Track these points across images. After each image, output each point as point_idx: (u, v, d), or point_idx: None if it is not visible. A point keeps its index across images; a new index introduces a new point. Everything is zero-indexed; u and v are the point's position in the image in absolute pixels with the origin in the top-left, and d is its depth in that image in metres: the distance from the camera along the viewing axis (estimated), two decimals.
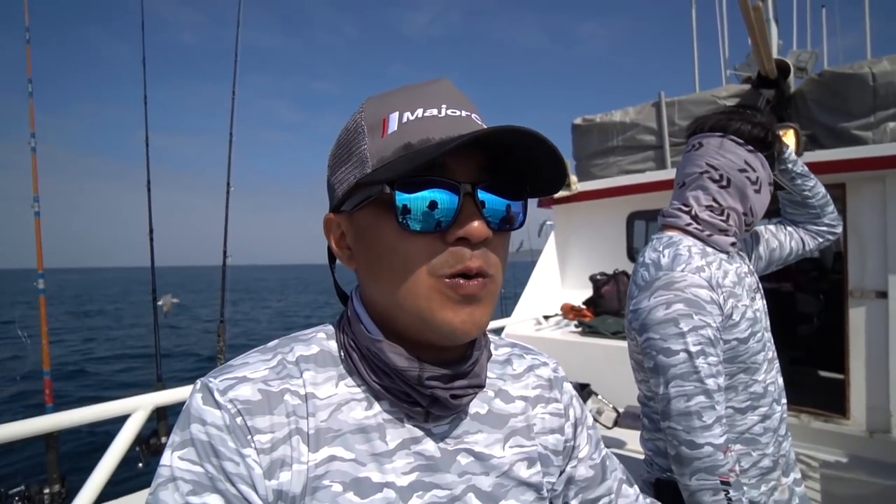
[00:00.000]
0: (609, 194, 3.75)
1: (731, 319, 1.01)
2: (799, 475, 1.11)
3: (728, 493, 0.90)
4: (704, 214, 1.08)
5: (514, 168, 0.51)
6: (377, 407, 0.52)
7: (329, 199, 0.56)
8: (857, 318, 2.73)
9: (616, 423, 2.44)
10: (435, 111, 0.49)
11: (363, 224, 0.51)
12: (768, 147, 1.08)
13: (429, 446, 0.53)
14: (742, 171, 1.06)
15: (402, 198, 0.46)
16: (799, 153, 2.97)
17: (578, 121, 4.17)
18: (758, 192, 1.06)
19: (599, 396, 2.58)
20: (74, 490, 1.65)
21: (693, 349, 0.94)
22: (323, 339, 0.55)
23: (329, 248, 0.58)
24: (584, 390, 2.63)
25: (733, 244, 1.09)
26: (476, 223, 0.47)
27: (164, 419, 1.95)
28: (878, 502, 2.27)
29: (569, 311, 3.60)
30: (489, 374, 0.60)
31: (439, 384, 0.51)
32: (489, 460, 0.56)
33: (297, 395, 0.50)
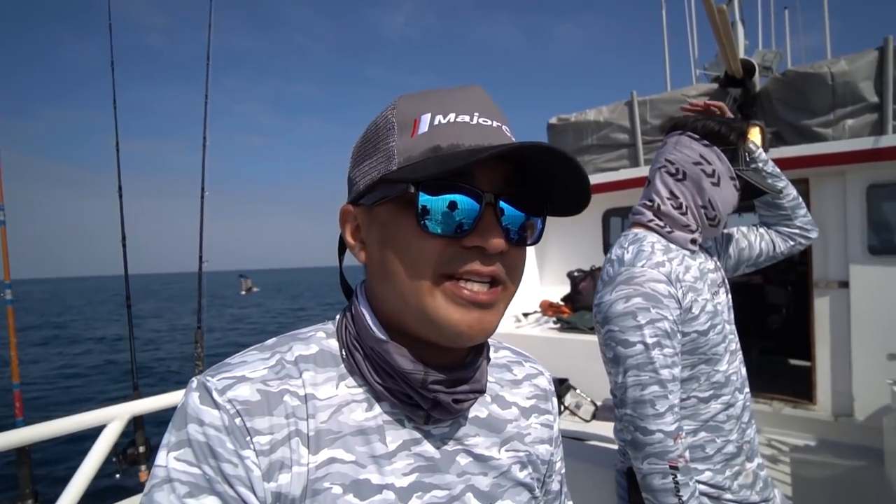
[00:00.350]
0: None
1: (691, 313, 1.05)
2: (761, 460, 1.16)
3: (675, 476, 0.95)
4: (665, 207, 1.13)
5: (537, 184, 0.51)
6: (377, 408, 0.52)
7: (348, 191, 0.56)
8: (821, 307, 2.85)
9: (594, 416, 2.49)
10: (467, 118, 0.49)
11: (381, 219, 0.51)
12: (724, 141, 1.11)
13: (428, 448, 0.53)
14: (697, 163, 1.11)
15: (424, 199, 0.46)
16: (764, 150, 3.08)
17: (554, 120, 4.23)
18: (715, 184, 1.09)
19: (578, 391, 2.63)
20: None
21: (649, 341, 0.98)
22: (322, 339, 0.55)
23: (340, 241, 0.57)
24: (562, 385, 2.68)
25: (693, 241, 1.13)
26: (494, 235, 0.47)
27: (141, 428, 1.91)
28: (843, 482, 2.37)
29: (547, 308, 3.65)
30: (488, 378, 0.60)
31: (442, 388, 0.51)
32: (488, 461, 0.57)
33: (296, 395, 0.49)
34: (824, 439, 2.76)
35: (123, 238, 2.28)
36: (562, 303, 3.68)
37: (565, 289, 3.76)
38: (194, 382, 0.48)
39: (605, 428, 2.53)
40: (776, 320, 4.85)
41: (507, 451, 0.59)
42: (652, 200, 1.15)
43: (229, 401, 0.46)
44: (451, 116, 0.49)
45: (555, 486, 0.69)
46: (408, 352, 0.51)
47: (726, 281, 1.21)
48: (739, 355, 1.16)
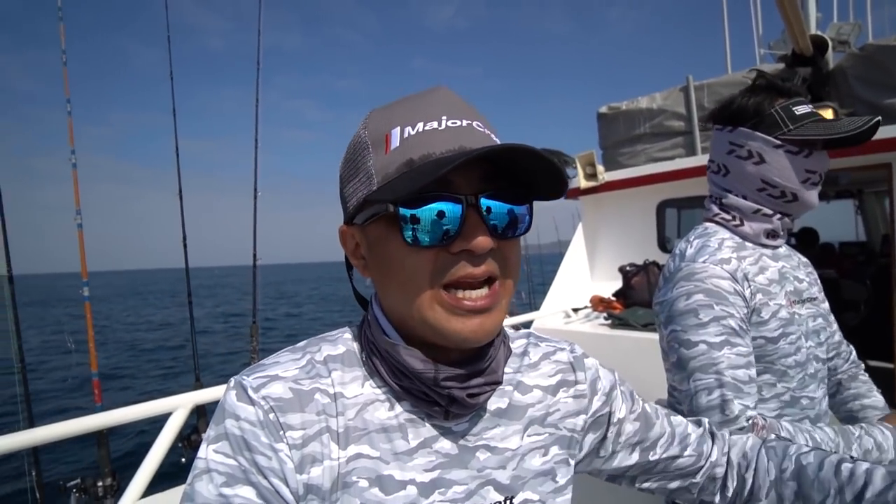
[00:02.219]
0: (637, 183, 3.66)
1: (759, 316, 0.97)
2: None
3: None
4: (727, 200, 1.05)
5: (517, 174, 0.51)
6: (399, 407, 0.54)
7: (343, 210, 0.58)
8: None
9: None
10: (435, 124, 0.50)
11: (373, 238, 0.53)
12: (748, 115, 1.00)
13: (448, 444, 0.55)
14: (730, 152, 1.03)
15: (406, 214, 0.48)
16: None
17: (604, 109, 4.09)
18: (758, 162, 0.99)
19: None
20: (125, 483, 1.76)
21: (713, 340, 0.91)
22: (349, 340, 0.58)
23: (347, 257, 0.60)
24: None
25: (772, 233, 1.03)
26: (479, 236, 0.48)
27: (203, 416, 2.04)
28: None
29: (598, 304, 3.55)
30: (507, 368, 0.61)
31: (455, 384, 0.52)
32: (505, 453, 0.58)
33: (326, 393, 0.52)
34: None
35: (184, 238, 2.42)
36: (613, 298, 3.56)
37: (616, 283, 3.64)
38: (232, 382, 0.52)
39: None
40: (853, 318, 4.47)
41: (528, 436, 0.60)
42: (715, 196, 1.09)
43: (263, 398, 0.49)
44: (420, 126, 0.50)
45: (630, 429, 0.68)
46: (419, 352, 0.52)
47: (822, 303, 1.09)
48: (822, 387, 1.05)
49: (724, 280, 0.94)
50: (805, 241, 5.26)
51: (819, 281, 1.15)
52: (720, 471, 0.71)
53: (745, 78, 3.37)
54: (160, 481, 1.78)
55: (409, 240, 0.48)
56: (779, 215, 1.02)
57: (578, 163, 3.93)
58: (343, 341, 0.57)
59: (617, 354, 2.86)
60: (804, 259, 1.15)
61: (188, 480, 0.48)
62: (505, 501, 0.57)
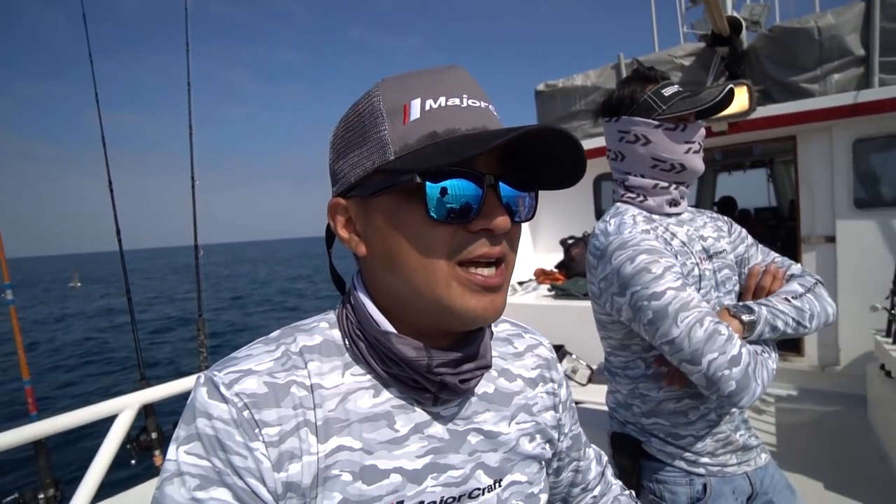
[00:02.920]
0: None
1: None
2: (750, 432, 1.16)
3: (766, 350, 1.00)
4: (630, 181, 1.16)
5: (529, 161, 0.52)
6: (385, 394, 0.53)
7: (333, 182, 0.55)
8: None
9: (590, 380, 2.58)
10: (457, 101, 0.49)
11: (383, 210, 0.50)
12: (626, 104, 1.11)
13: (439, 429, 0.54)
14: (620, 139, 1.14)
15: (432, 187, 0.46)
16: (752, 108, 3.06)
17: (541, 87, 4.18)
18: (645, 143, 1.11)
19: (574, 356, 2.71)
20: (69, 493, 1.67)
21: (675, 284, 0.98)
22: (326, 329, 0.55)
23: (328, 234, 0.57)
24: (559, 351, 2.76)
25: (672, 202, 1.13)
26: (500, 216, 0.48)
27: (151, 415, 1.96)
28: (827, 427, 2.49)
29: (541, 276, 3.70)
30: (493, 352, 0.61)
31: (448, 370, 0.52)
32: (497, 437, 0.58)
33: (303, 386, 0.50)
34: (810, 388, 2.87)
35: (118, 232, 2.27)
36: (556, 270, 3.73)
37: (558, 256, 3.80)
38: (202, 378, 0.49)
39: (600, 391, 2.62)
40: None
41: (516, 423, 0.61)
42: (619, 180, 1.20)
43: (237, 394, 0.47)
44: (442, 101, 0.48)
45: (566, 444, 0.71)
46: (411, 340, 0.51)
47: (730, 254, 1.20)
48: None
49: (654, 241, 1.04)
50: (725, 208, 5.71)
51: (738, 229, 1.27)
52: None
53: (670, 56, 3.56)
54: (110, 487, 1.72)
55: (433, 213, 0.46)
56: (674, 185, 1.13)
57: None
58: (319, 330, 0.55)
59: (561, 323, 3.01)
60: (712, 215, 1.27)
61: (157, 484, 0.46)
62: (495, 484, 0.57)
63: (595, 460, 0.79)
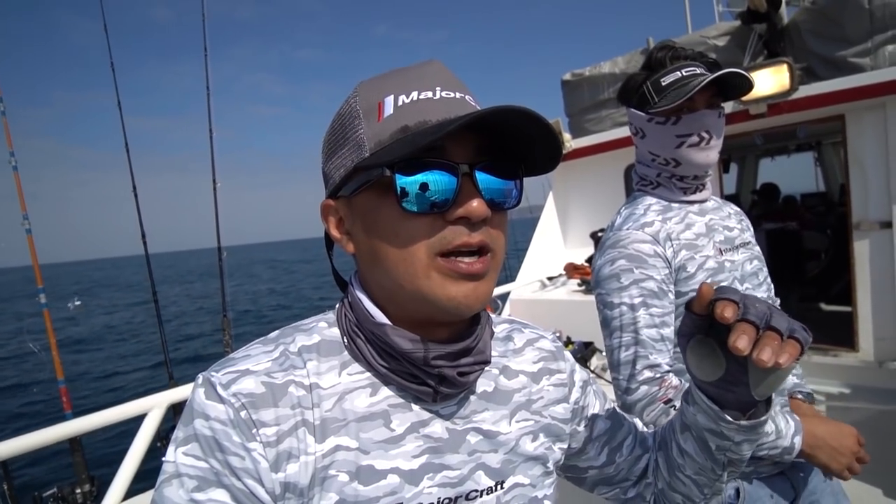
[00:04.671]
0: (604, 149, 3.69)
1: (686, 271, 1.02)
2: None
3: (672, 404, 0.91)
4: (640, 169, 1.15)
5: (508, 148, 0.51)
6: (382, 393, 0.53)
7: (325, 185, 0.56)
8: (861, 250, 2.71)
9: None
10: (430, 93, 0.49)
11: (363, 207, 0.51)
12: (631, 94, 1.08)
13: (437, 428, 0.54)
14: (629, 129, 1.13)
15: (402, 180, 0.47)
16: (794, 88, 2.87)
17: (567, 76, 4.07)
18: (643, 137, 1.08)
19: (604, 353, 2.61)
20: (104, 488, 1.73)
21: (633, 301, 0.98)
22: (324, 328, 0.55)
23: (326, 236, 0.58)
24: (588, 348, 2.67)
25: (685, 190, 1.08)
26: (475, 203, 0.47)
27: (179, 414, 2.01)
28: (881, 426, 2.30)
29: (572, 271, 3.60)
30: (493, 352, 0.61)
31: (445, 363, 0.51)
32: (497, 437, 0.57)
33: (301, 385, 0.50)
34: (864, 385, 2.67)
35: (143, 235, 2.34)
36: (586, 264, 3.62)
37: (589, 250, 3.70)
38: (200, 379, 0.49)
39: None
40: (815, 266, 4.66)
41: (517, 422, 0.60)
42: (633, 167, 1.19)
43: (234, 394, 0.47)
44: (414, 95, 0.49)
45: (601, 426, 0.69)
46: (406, 332, 0.51)
47: (755, 245, 1.15)
48: None
49: (645, 244, 1.01)
50: (766, 196, 5.42)
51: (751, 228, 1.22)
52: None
53: (703, 37, 3.39)
54: (141, 483, 1.76)
55: (406, 206, 0.47)
56: (677, 178, 1.07)
57: None
58: (318, 330, 0.55)
59: (592, 319, 2.90)
60: (736, 209, 1.22)
61: (156, 486, 0.46)
62: (496, 486, 0.56)
63: (644, 428, 0.75)
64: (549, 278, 3.68)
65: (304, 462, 0.47)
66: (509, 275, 4.09)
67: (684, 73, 1.01)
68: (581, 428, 0.67)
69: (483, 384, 0.59)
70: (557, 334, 2.66)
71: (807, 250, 4.56)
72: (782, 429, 0.90)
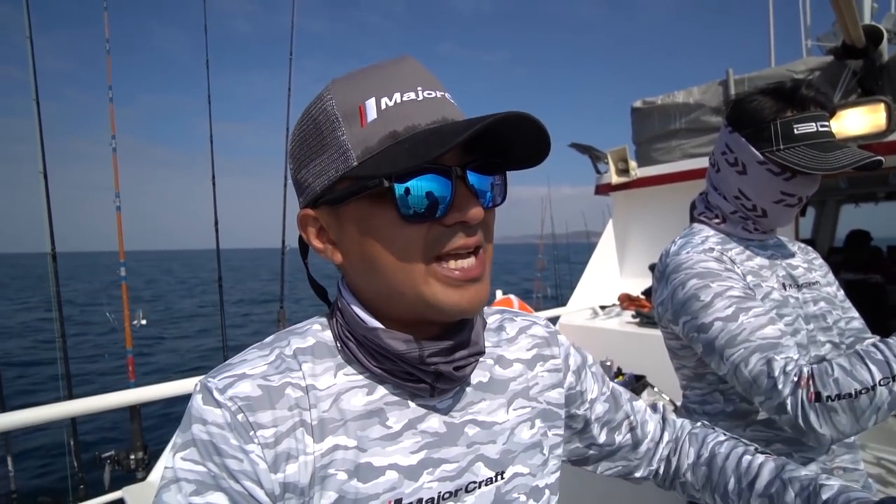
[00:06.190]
0: (671, 180, 3.57)
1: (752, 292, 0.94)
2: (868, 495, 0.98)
3: (825, 396, 0.76)
4: (712, 198, 1.07)
5: (494, 144, 0.51)
6: (378, 392, 0.53)
7: (298, 193, 0.55)
8: None
9: None
10: (412, 94, 0.48)
11: (355, 216, 0.50)
12: (753, 122, 0.97)
13: (434, 423, 0.54)
14: (723, 153, 1.04)
15: (400, 188, 0.46)
16: (891, 129, 2.68)
17: (638, 104, 3.98)
18: (741, 172, 0.99)
19: (655, 389, 2.48)
20: (156, 458, 1.83)
21: (724, 314, 0.88)
22: (318, 331, 0.56)
23: (301, 245, 0.58)
24: (639, 382, 2.55)
25: (748, 229, 1.02)
26: (473, 206, 0.48)
27: None
28: None
29: (626, 301, 3.48)
30: (486, 342, 0.60)
31: (441, 359, 0.52)
32: (494, 427, 0.58)
33: (298, 387, 0.50)
34: None
35: (216, 223, 2.48)
36: (642, 296, 3.49)
37: (646, 282, 3.56)
38: (197, 385, 0.50)
39: None
40: None
41: (513, 409, 0.60)
42: (704, 193, 1.12)
43: (231, 398, 0.47)
44: (398, 97, 0.48)
45: (600, 409, 0.71)
46: (399, 333, 0.52)
47: (826, 286, 1.07)
48: None
49: (711, 262, 0.94)
50: (855, 244, 5.00)
51: (826, 268, 1.13)
52: (665, 453, 0.76)
53: (789, 71, 3.23)
54: None
55: (405, 213, 0.47)
56: (750, 222, 1.02)
57: (610, 158, 3.84)
58: (312, 333, 0.56)
59: (645, 353, 2.80)
60: (803, 246, 1.14)
61: (156, 492, 0.47)
62: (496, 476, 0.56)
63: (650, 411, 0.76)
64: (602, 307, 3.57)
65: (303, 462, 0.48)
66: (560, 301, 4.01)
67: (819, 129, 0.92)
68: (580, 411, 0.69)
69: (478, 375, 0.59)
70: (609, 363, 2.57)
71: (890, 306, 4.18)
72: None
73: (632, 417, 0.74)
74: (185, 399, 1.81)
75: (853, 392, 0.75)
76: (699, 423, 0.78)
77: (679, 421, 0.78)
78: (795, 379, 0.80)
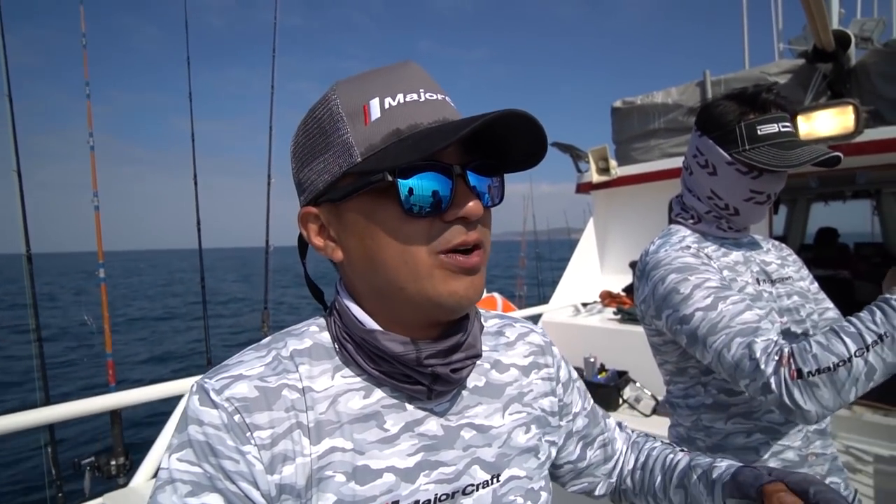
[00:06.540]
0: (650, 178, 3.64)
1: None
2: (840, 480, 1.01)
3: (805, 372, 0.79)
4: (688, 200, 1.11)
5: (492, 146, 0.52)
6: (376, 394, 0.53)
7: (299, 192, 0.55)
8: None
9: (654, 411, 2.40)
10: (415, 95, 0.50)
11: (358, 212, 0.50)
12: (719, 124, 1.02)
13: (431, 426, 0.54)
14: (694, 156, 1.08)
15: (404, 184, 0.47)
16: (858, 130, 2.78)
17: (618, 103, 4.05)
18: (712, 174, 1.03)
19: (638, 384, 2.54)
20: (137, 463, 1.79)
21: (704, 304, 0.92)
22: (315, 333, 0.56)
23: (300, 244, 0.58)
24: (621, 378, 2.60)
25: (727, 228, 1.07)
26: (472, 203, 0.49)
27: None
28: None
29: (607, 298, 3.54)
30: (483, 346, 0.61)
31: (438, 361, 0.52)
32: (490, 431, 0.58)
33: (294, 388, 0.50)
34: None
35: (199, 222, 2.44)
36: (623, 293, 3.55)
37: (626, 279, 3.62)
38: (194, 386, 0.50)
39: (665, 423, 2.43)
40: None
41: (509, 414, 0.60)
42: (679, 196, 1.16)
43: (227, 399, 0.47)
44: (401, 97, 0.49)
45: (580, 423, 0.72)
46: (397, 335, 0.52)
47: (799, 281, 1.11)
48: None
49: (688, 257, 0.98)
50: (823, 241, 5.17)
51: (799, 263, 1.17)
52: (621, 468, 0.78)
53: (763, 73, 3.32)
54: None
55: (408, 209, 0.48)
56: (723, 220, 1.07)
57: (591, 157, 3.90)
58: (309, 334, 0.56)
59: (625, 349, 2.85)
60: (777, 243, 1.19)
61: (150, 493, 0.47)
62: (492, 479, 0.56)
63: (618, 429, 0.78)
64: (584, 304, 3.62)
65: (299, 464, 0.48)
66: (542, 298, 4.05)
67: (781, 129, 0.97)
68: (563, 423, 0.69)
69: (475, 379, 0.60)
70: (592, 360, 2.61)
71: (858, 302, 4.33)
72: None
73: (605, 434, 0.75)
74: (166, 402, 1.78)
75: (831, 365, 0.77)
76: (642, 433, 0.81)
77: (647, 440, 0.79)
78: (777, 358, 0.82)
